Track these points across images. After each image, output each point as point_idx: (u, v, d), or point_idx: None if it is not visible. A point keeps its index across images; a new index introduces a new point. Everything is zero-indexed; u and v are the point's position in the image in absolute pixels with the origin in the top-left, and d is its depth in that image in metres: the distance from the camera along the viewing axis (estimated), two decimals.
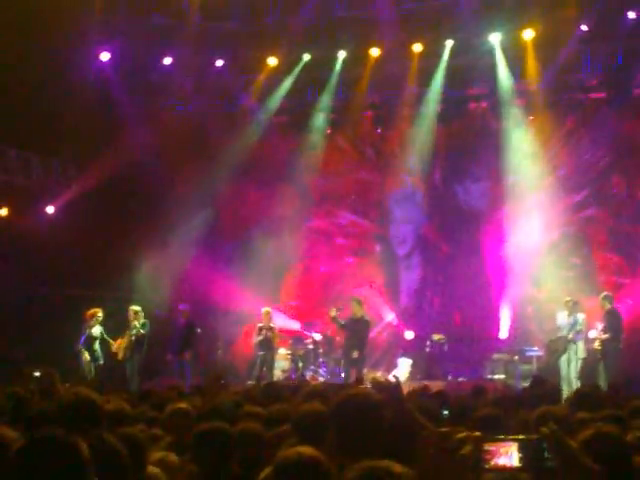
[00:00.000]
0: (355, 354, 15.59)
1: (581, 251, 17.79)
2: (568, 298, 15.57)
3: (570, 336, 15.30)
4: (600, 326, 15.08)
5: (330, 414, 3.98)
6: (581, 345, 15.32)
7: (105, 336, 15.68)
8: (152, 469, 4.40)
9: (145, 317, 15.95)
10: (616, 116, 17.72)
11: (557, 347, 15.69)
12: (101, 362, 15.53)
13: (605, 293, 15.45)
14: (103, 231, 18.29)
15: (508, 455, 2.67)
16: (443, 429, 2.78)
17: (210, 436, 4.50)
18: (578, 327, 15.30)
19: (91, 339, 15.48)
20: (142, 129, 18.35)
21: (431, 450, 2.72)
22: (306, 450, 3.32)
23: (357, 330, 15.87)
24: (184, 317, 16.71)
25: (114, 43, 18.42)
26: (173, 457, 4.86)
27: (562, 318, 15.71)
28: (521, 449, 2.67)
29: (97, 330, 15.58)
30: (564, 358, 15.38)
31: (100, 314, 15.65)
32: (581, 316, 15.39)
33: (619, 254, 17.68)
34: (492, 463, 2.69)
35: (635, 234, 17.61)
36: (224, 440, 4.51)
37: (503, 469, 2.71)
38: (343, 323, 16.28)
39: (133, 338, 15.74)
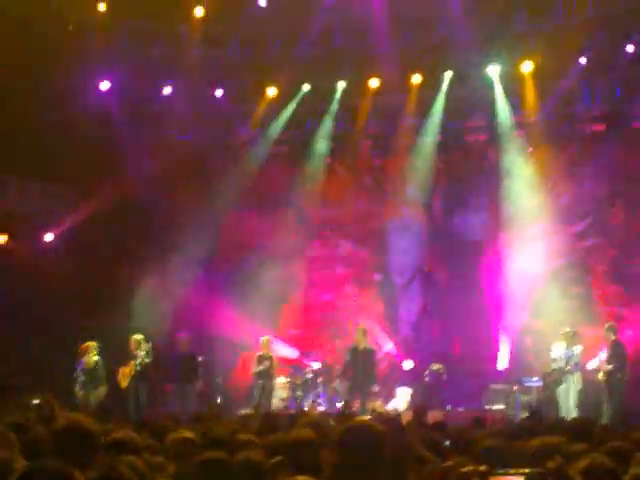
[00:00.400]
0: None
1: (582, 281, 17.77)
2: (568, 329, 15.54)
3: (567, 368, 15.25)
4: (603, 356, 14.97)
5: (331, 445, 3.96)
6: (578, 376, 15.27)
7: (100, 367, 15.59)
8: None
9: (149, 345, 15.84)
10: (615, 148, 17.78)
11: (553, 379, 15.64)
12: (101, 392, 15.42)
13: (610, 324, 15.35)
14: (102, 259, 18.31)
15: None
16: (447, 463, 2.77)
17: (211, 465, 4.47)
18: (575, 359, 15.25)
19: (88, 370, 15.40)
20: (142, 157, 18.37)
21: None
22: None
23: (366, 362, 15.86)
24: (183, 345, 16.65)
25: (114, 72, 18.49)
26: None
27: (558, 350, 15.66)
28: None
29: (94, 360, 15.49)
30: (562, 389, 15.32)
31: (95, 346, 15.56)
32: (578, 348, 15.34)
33: (620, 284, 17.65)
34: None
35: (635, 265, 17.60)
36: (225, 470, 4.47)
37: None
38: (349, 357, 16.20)
39: (138, 368, 15.63)
